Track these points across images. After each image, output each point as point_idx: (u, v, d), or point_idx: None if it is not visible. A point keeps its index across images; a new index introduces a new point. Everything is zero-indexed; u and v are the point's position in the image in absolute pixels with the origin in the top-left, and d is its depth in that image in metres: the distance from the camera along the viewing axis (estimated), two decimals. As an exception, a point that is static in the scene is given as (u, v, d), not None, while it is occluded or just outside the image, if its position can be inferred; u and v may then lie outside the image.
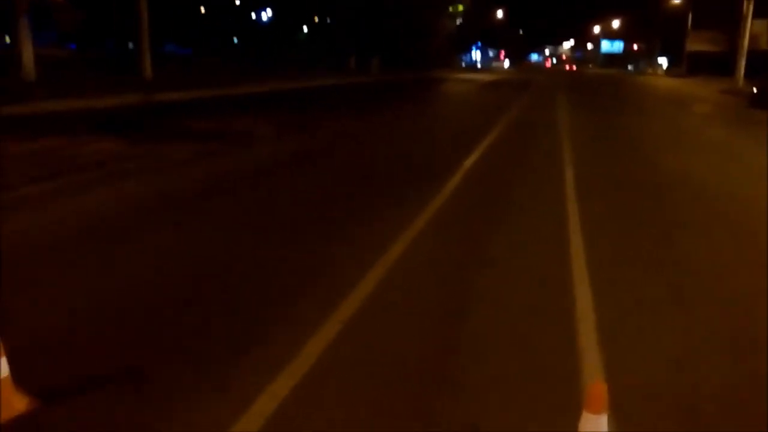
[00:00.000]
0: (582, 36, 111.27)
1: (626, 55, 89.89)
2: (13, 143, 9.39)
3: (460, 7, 66.25)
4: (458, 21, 67.77)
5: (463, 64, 75.34)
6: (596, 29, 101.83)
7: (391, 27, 49.69)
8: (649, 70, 70.92)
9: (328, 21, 56.55)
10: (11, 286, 4.29)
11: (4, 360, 2.84)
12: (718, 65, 45.90)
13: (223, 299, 4.26)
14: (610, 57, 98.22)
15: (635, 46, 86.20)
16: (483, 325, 3.92)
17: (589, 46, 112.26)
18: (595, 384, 2.25)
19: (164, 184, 7.98)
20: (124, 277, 4.64)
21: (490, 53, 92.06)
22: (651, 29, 70.70)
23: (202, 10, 45.35)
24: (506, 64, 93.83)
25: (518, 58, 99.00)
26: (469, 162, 9.94)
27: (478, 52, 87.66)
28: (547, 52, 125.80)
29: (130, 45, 36.15)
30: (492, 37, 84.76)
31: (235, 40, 52.74)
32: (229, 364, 3.35)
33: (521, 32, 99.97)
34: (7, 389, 2.85)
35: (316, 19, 57.45)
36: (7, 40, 41.30)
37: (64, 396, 3.01)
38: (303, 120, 14.98)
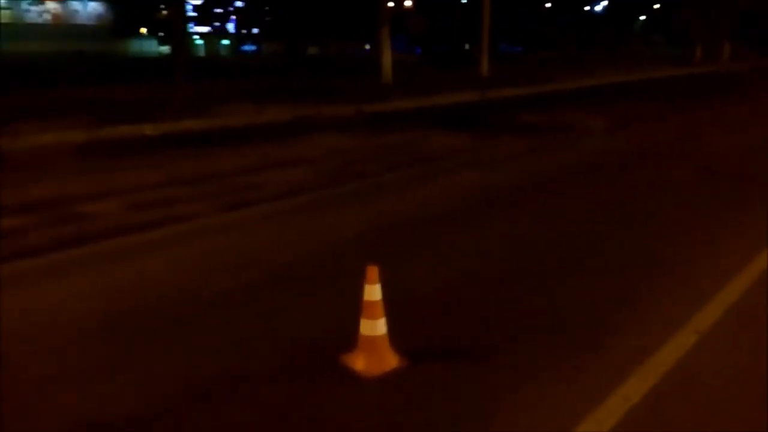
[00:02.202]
0: None
1: None
2: (376, 137, 10.96)
3: None
4: None
5: None
6: None
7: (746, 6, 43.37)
8: None
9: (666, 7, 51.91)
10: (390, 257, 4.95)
11: (383, 320, 3.31)
12: None
13: (577, 286, 4.30)
14: None
15: None
16: None
17: None
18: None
19: (504, 175, 8.33)
20: (478, 256, 4.97)
21: None
22: None
23: (545, 6, 45.59)
24: None
25: None
26: None
27: None
28: None
29: (466, 46, 38.47)
30: None
31: (567, 34, 51.98)
32: (583, 356, 3.37)
33: None
34: (383, 346, 3.31)
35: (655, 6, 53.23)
36: (366, 47, 47.60)
37: (426, 358, 3.36)
38: (636, 113, 14.12)
